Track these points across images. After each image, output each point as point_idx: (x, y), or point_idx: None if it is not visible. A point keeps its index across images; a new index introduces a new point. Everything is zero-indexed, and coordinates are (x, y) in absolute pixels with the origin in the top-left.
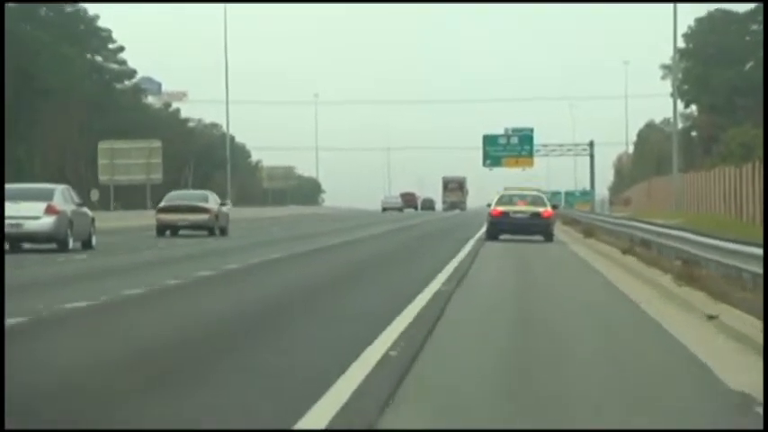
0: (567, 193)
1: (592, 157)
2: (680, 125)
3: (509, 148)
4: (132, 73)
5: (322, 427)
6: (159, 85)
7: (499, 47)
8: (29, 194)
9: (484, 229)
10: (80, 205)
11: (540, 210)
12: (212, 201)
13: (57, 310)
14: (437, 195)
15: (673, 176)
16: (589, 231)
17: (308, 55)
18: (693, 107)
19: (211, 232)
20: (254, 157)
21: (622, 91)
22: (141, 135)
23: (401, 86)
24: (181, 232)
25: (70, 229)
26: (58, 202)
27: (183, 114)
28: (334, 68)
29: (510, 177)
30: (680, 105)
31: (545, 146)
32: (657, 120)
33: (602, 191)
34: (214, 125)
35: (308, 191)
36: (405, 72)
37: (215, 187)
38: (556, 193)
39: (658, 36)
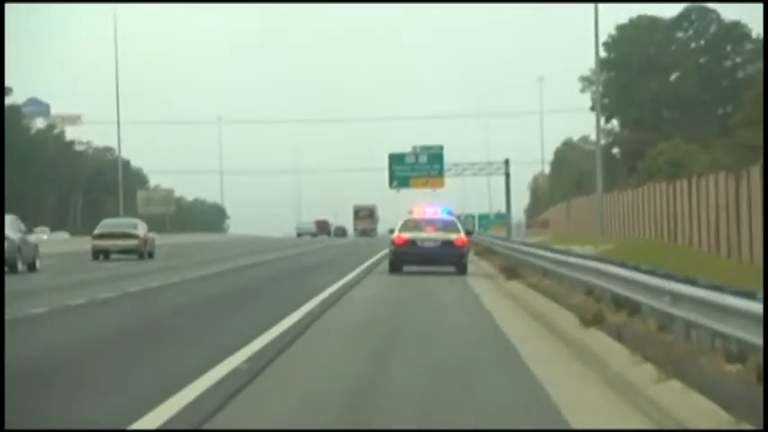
0: (481, 216)
1: (507, 176)
2: (604, 141)
3: (417, 167)
4: (7, 91)
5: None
6: (47, 106)
7: (409, 63)
8: None
9: (378, 256)
10: (25, 233)
11: (453, 237)
12: (141, 228)
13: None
14: (347, 221)
15: (596, 196)
16: (512, 270)
17: (211, 76)
18: (615, 122)
19: (141, 256)
20: (153, 181)
21: (537, 107)
22: (15, 159)
23: (307, 106)
24: (113, 256)
25: (19, 254)
26: (9, 231)
27: (80, 138)
28: (238, 90)
29: (419, 200)
30: (601, 120)
31: (456, 165)
32: (575, 137)
33: (518, 213)
34: (108, 149)
35: (213, 216)
36: (310, 91)
37: (106, 214)
38: (469, 216)
39: (576, 47)
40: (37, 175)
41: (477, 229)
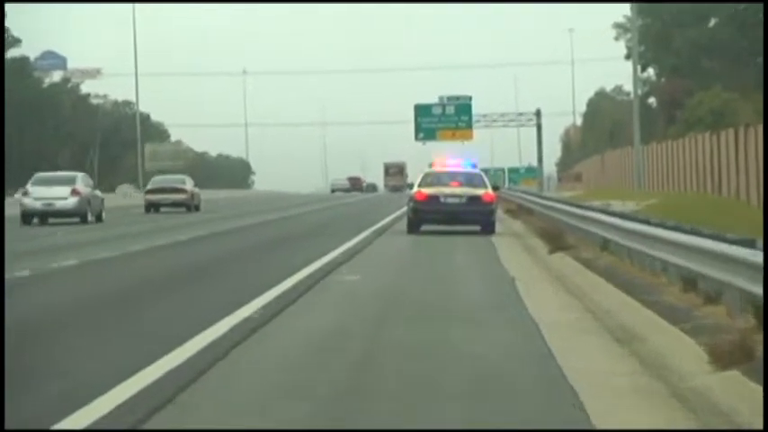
0: (511, 170)
1: (539, 127)
2: (640, 90)
3: (444, 119)
4: (15, 42)
5: None
6: (64, 59)
7: (436, 11)
8: (57, 180)
9: (398, 213)
10: (93, 188)
11: (479, 192)
12: (188, 183)
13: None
14: (375, 175)
15: (633, 148)
16: (555, 236)
17: (234, 26)
18: (651, 71)
19: (188, 209)
20: (174, 136)
21: (569, 57)
22: (25, 113)
23: (333, 56)
24: (162, 209)
25: (88, 207)
26: (79, 186)
27: (96, 92)
28: (261, 40)
29: (446, 152)
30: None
31: (485, 116)
32: (609, 87)
33: (549, 167)
34: (127, 103)
35: (237, 172)
36: (335, 41)
37: (125, 170)
38: (498, 170)
39: None
40: (51, 130)
41: (506, 183)
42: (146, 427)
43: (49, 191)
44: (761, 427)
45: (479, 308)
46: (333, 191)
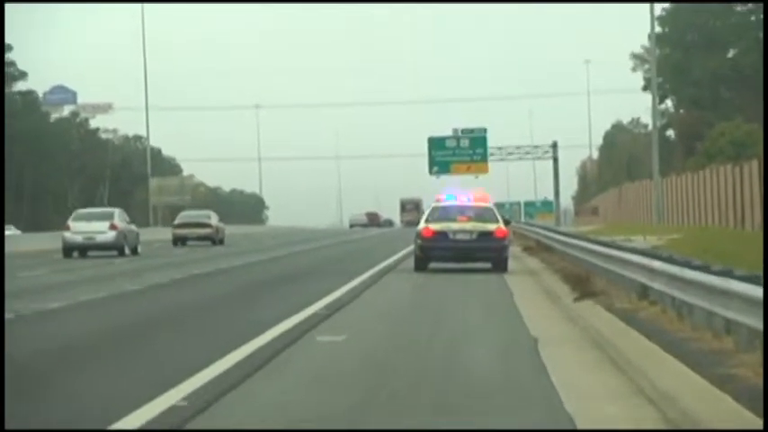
0: (527, 204)
1: (555, 160)
2: (658, 122)
3: (459, 152)
4: (21, 75)
5: None
6: (74, 94)
7: (450, 43)
8: (96, 216)
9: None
10: (129, 223)
11: (491, 227)
12: (214, 218)
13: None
14: (390, 209)
15: (652, 181)
16: (581, 280)
17: (248, 61)
18: (669, 102)
19: (213, 242)
20: (186, 170)
21: (584, 88)
22: (34, 147)
23: (347, 90)
24: (189, 242)
25: (125, 241)
26: (117, 221)
27: (106, 126)
28: (274, 75)
29: (461, 187)
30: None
31: (500, 149)
32: (625, 120)
33: (565, 200)
34: (138, 138)
35: (251, 207)
36: (349, 74)
37: (135, 205)
38: (514, 204)
39: (626, 24)
40: (60, 165)
41: (523, 217)
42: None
43: (89, 225)
44: (761, 427)
45: (491, 393)
46: (351, 226)
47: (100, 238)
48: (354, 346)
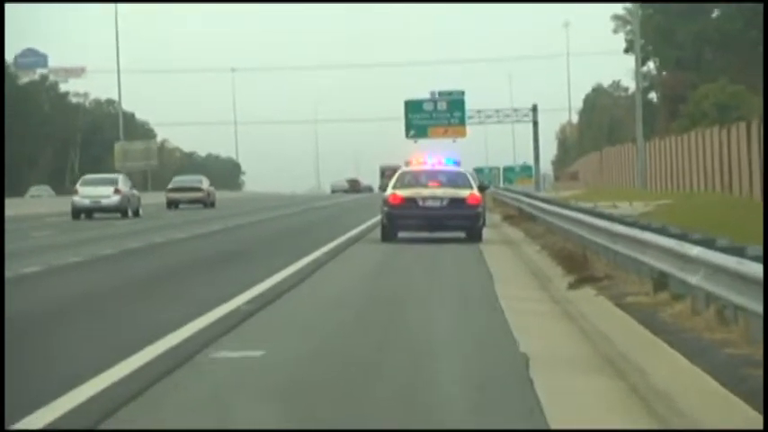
0: (506, 169)
1: (535, 123)
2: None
3: (436, 115)
4: None
5: None
6: (45, 57)
7: (428, 6)
8: (101, 181)
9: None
10: (131, 188)
11: (463, 193)
12: (205, 183)
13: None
14: (368, 174)
15: (634, 145)
16: (576, 261)
17: (222, 23)
18: (651, 65)
19: (205, 205)
20: (161, 135)
21: (564, 50)
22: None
23: (323, 52)
24: (181, 206)
25: (128, 204)
26: (121, 186)
27: (77, 90)
28: (250, 37)
29: (438, 151)
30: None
31: (479, 112)
32: (606, 83)
33: (544, 165)
34: (110, 102)
35: (227, 173)
36: (325, 37)
37: (107, 170)
38: (493, 168)
39: None
40: (28, 130)
41: (502, 182)
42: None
43: (95, 190)
44: (761, 426)
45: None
46: (333, 191)
47: (105, 202)
48: (271, 367)
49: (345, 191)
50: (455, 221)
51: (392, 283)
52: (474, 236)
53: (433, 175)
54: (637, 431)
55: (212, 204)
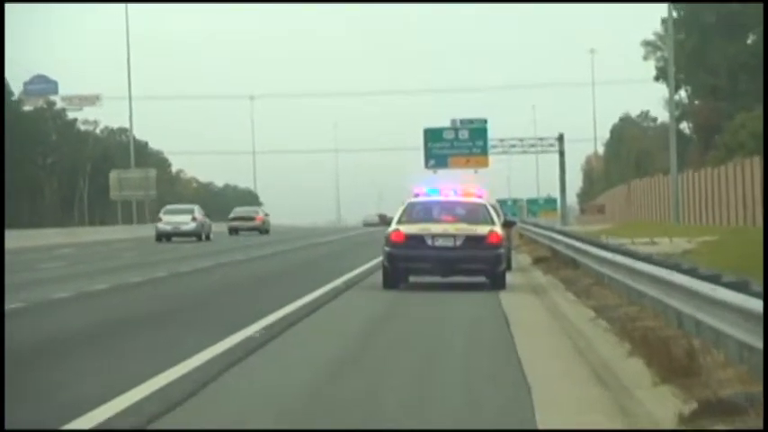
0: (529, 201)
1: (561, 153)
2: (668, 115)
3: (457, 144)
4: None
5: None
6: (55, 84)
7: (449, 32)
8: (181, 211)
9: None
10: (205, 216)
11: (482, 230)
12: (261, 212)
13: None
14: (393, 208)
15: (670, 177)
16: (678, 358)
17: (240, 49)
18: (683, 93)
19: (260, 232)
20: (176, 165)
21: (589, 79)
22: (6, 139)
23: (344, 82)
24: (241, 232)
25: (202, 229)
26: (197, 214)
27: (87, 117)
28: (268, 63)
29: (459, 181)
30: (666, 91)
31: (502, 141)
32: (634, 113)
33: (569, 198)
34: (122, 130)
35: (245, 204)
36: (346, 65)
37: (117, 202)
38: (518, 201)
39: (636, 10)
40: (38, 158)
41: (527, 216)
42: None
43: (176, 218)
44: (761, 426)
45: None
46: (365, 225)
47: (184, 228)
48: None
49: (376, 224)
50: (471, 264)
51: (373, 371)
52: (496, 282)
53: (446, 207)
54: (632, 431)
55: (267, 231)
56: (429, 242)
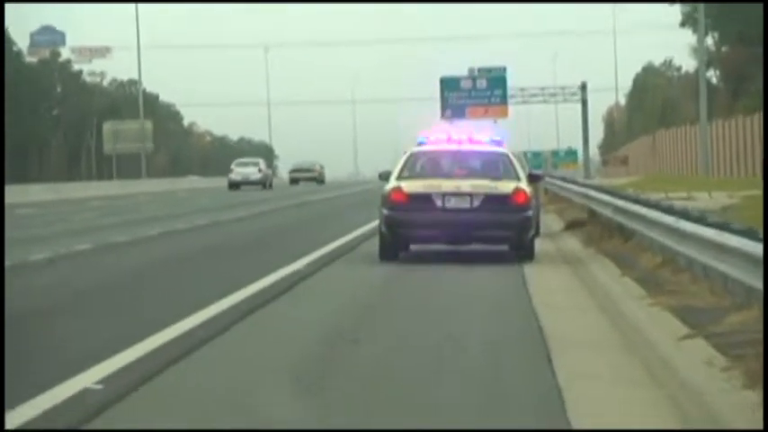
0: (552, 153)
1: (584, 102)
2: (695, 63)
3: (475, 93)
4: None
5: None
6: (62, 35)
7: None
8: (249, 163)
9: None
10: (268, 168)
11: (506, 187)
12: (318, 166)
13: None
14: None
15: (699, 126)
16: None
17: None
18: (709, 40)
19: (317, 182)
20: (188, 117)
21: (610, 26)
22: (8, 91)
23: (356, 28)
24: (301, 182)
25: (266, 179)
26: (262, 166)
27: (93, 69)
28: (283, 16)
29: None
30: (693, 37)
31: (522, 90)
32: (657, 61)
33: (590, 149)
34: (132, 82)
35: (261, 157)
36: (360, 12)
37: (126, 157)
38: (537, 154)
39: None
40: (43, 112)
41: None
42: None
43: (245, 169)
44: (761, 426)
45: None
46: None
47: (252, 177)
48: None
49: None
50: (492, 231)
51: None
52: (523, 250)
53: (459, 158)
54: (630, 431)
55: (323, 182)
56: (438, 203)
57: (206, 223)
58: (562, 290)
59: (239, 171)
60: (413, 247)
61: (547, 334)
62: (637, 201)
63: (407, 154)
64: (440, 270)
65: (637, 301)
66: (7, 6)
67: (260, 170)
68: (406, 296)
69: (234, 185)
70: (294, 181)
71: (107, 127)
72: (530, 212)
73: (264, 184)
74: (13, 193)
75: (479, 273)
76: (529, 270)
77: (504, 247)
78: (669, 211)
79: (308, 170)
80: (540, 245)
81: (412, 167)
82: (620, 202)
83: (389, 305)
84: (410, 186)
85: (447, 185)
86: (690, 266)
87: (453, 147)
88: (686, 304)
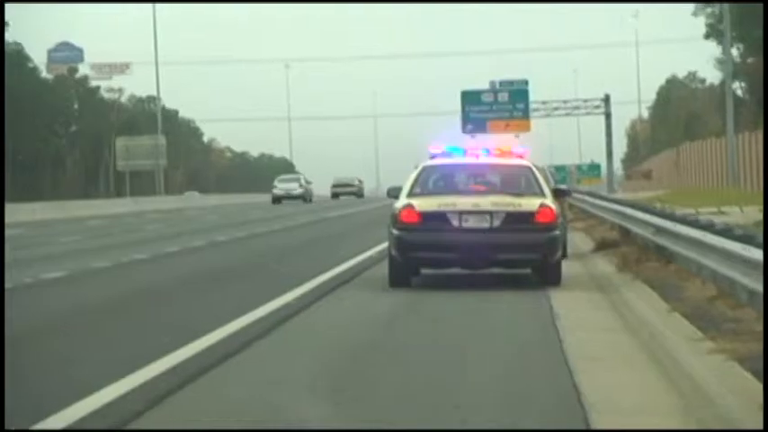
0: (576, 167)
1: (608, 116)
2: (720, 74)
3: (497, 107)
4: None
5: None
6: (80, 51)
7: None
8: (290, 179)
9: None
10: (308, 183)
11: (529, 204)
12: (357, 181)
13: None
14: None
15: (727, 139)
16: None
17: (276, 15)
18: (734, 51)
19: (358, 197)
20: (208, 133)
21: (633, 39)
22: (21, 111)
23: (377, 44)
24: (342, 197)
25: (306, 194)
26: (302, 182)
27: (111, 86)
28: (302, 30)
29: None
30: (717, 49)
31: (544, 103)
32: (681, 74)
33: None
34: (151, 98)
35: (281, 173)
36: (382, 27)
37: (145, 173)
38: (561, 168)
39: None
40: (59, 128)
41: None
42: None
43: (287, 185)
44: (761, 426)
45: None
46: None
47: (293, 192)
48: None
49: None
50: (515, 254)
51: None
52: (548, 275)
53: (476, 172)
54: (643, 431)
55: (362, 195)
56: (454, 222)
57: (202, 244)
58: (599, 329)
59: (282, 186)
60: (424, 270)
61: (587, 401)
62: (684, 221)
63: (419, 168)
64: (453, 300)
65: (693, 344)
66: (24, 23)
67: (300, 185)
68: (413, 337)
69: (276, 200)
70: (335, 195)
71: (120, 143)
72: (557, 232)
73: (305, 198)
74: (10, 211)
75: (499, 304)
76: (557, 301)
77: (526, 270)
78: (727, 235)
79: (348, 185)
80: (567, 268)
81: (424, 183)
82: (662, 222)
83: (390, 352)
84: (423, 204)
85: (464, 203)
86: (751, 300)
87: (470, 160)
88: (756, 350)
